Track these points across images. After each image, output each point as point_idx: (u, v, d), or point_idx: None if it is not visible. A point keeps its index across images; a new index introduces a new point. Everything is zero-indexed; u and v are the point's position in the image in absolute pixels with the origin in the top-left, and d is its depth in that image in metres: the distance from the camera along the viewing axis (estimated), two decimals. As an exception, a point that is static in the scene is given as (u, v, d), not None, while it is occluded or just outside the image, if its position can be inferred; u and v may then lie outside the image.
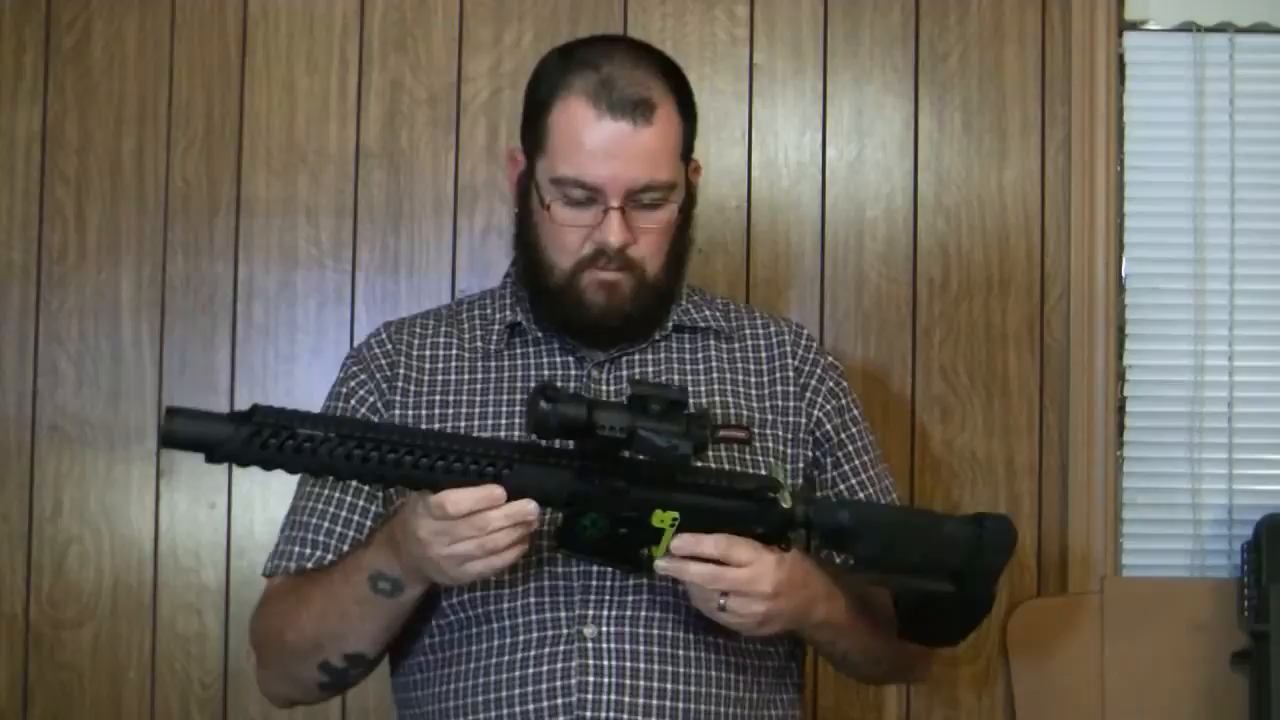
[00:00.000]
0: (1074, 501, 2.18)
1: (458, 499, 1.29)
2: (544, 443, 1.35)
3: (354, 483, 1.51)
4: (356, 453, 1.28)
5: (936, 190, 2.21)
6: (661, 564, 1.37)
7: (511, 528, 1.31)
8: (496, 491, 1.30)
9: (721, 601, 1.36)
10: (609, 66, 1.49)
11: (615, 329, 1.53)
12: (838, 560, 1.53)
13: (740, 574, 1.36)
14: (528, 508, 1.31)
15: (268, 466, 1.28)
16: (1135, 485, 2.22)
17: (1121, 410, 2.22)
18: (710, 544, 1.36)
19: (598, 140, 1.47)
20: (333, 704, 2.10)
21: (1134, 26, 2.25)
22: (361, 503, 1.54)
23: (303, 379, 2.13)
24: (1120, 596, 2.16)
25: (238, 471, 2.11)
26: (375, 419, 1.55)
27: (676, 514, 1.36)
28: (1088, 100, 2.20)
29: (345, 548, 1.51)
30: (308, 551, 1.52)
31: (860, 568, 1.45)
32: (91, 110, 2.16)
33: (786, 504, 1.39)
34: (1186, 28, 2.25)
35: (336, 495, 1.54)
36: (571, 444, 1.35)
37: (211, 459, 1.27)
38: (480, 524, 1.30)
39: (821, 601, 1.46)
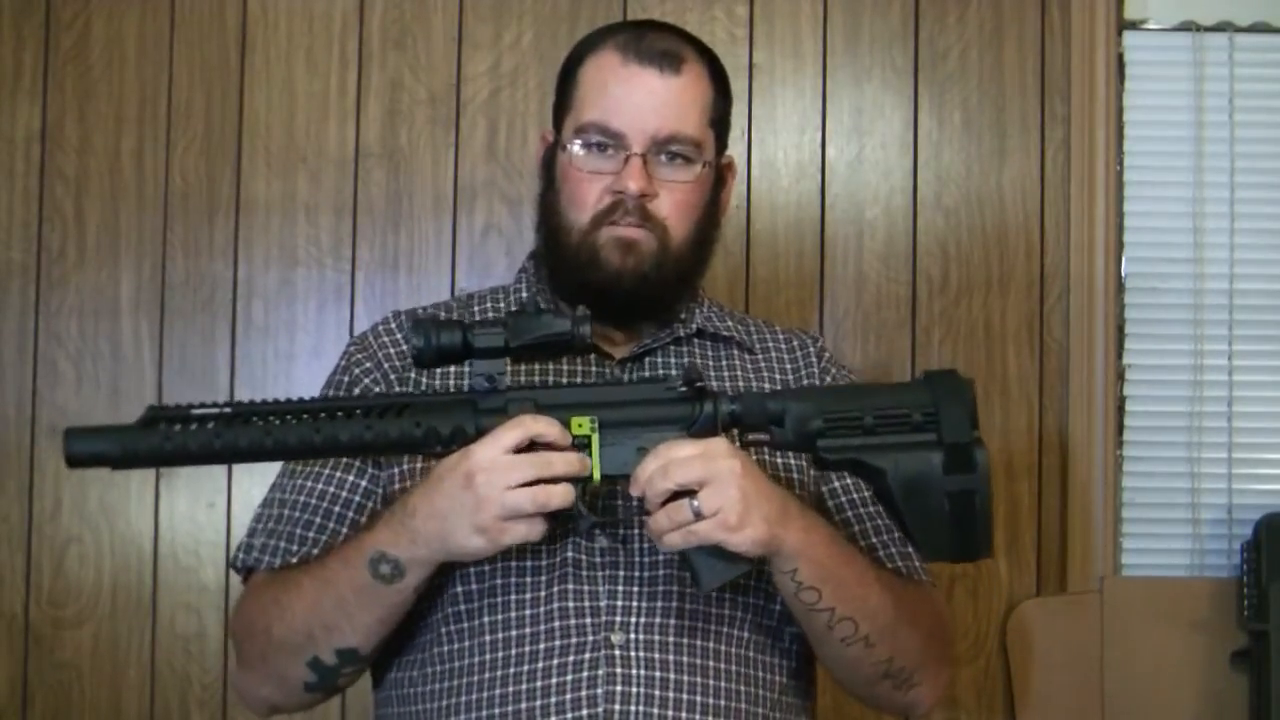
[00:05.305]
0: (1074, 501, 2.17)
1: (533, 419, 1.26)
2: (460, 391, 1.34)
3: (338, 460, 1.46)
4: (258, 424, 1.27)
5: (936, 190, 2.21)
6: (634, 489, 1.28)
7: (566, 485, 1.26)
8: (563, 431, 1.27)
9: (694, 505, 1.25)
10: (643, 29, 1.50)
11: (631, 294, 1.45)
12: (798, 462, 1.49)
13: (696, 460, 1.26)
14: (587, 460, 1.28)
15: (172, 460, 1.27)
16: (1135, 485, 2.22)
17: (1121, 410, 2.21)
18: (651, 463, 1.27)
19: (623, 87, 1.45)
20: (331, 705, 2.10)
21: (1134, 26, 2.25)
22: (351, 478, 1.46)
23: (302, 378, 2.13)
24: (1120, 596, 2.16)
25: (237, 471, 2.11)
26: None
27: (593, 417, 1.30)
28: (1088, 100, 2.20)
29: (339, 538, 1.43)
30: (294, 548, 1.44)
31: (818, 448, 1.33)
32: (91, 110, 2.16)
33: (711, 399, 1.33)
34: (1186, 27, 2.25)
35: (326, 472, 1.46)
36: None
37: (117, 465, 1.27)
38: (543, 461, 1.26)
39: (795, 508, 1.34)
